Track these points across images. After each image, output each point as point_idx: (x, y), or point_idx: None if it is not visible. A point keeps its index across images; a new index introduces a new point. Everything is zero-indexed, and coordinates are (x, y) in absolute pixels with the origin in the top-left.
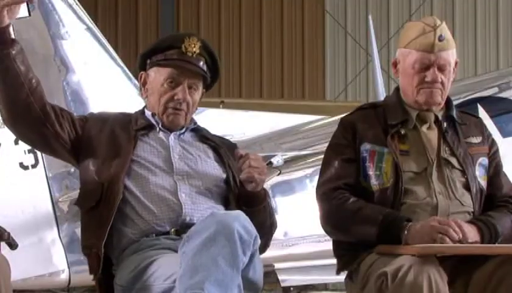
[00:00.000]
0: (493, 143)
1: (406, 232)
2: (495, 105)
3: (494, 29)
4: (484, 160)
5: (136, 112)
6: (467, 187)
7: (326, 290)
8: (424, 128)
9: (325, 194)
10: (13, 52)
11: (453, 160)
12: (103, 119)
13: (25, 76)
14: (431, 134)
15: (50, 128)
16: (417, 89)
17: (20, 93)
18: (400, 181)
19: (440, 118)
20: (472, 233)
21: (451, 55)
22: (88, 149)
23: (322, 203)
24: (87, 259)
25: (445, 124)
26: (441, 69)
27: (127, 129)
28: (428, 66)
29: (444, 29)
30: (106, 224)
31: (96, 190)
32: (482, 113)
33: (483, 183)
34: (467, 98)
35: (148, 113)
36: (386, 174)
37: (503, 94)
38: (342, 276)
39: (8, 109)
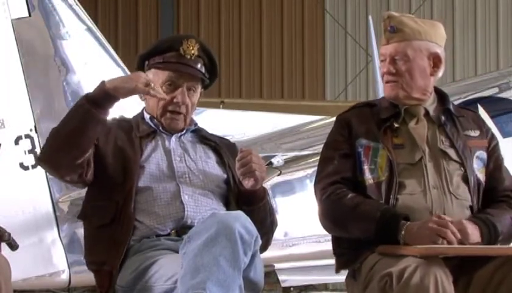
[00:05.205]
0: (493, 137)
1: (403, 232)
2: (495, 105)
3: (494, 29)
4: (482, 153)
5: (135, 117)
6: (464, 179)
7: (326, 291)
8: (413, 122)
9: (323, 189)
10: (105, 122)
11: (451, 152)
12: (106, 128)
13: (89, 146)
14: (419, 127)
15: (83, 178)
16: (384, 83)
17: (75, 155)
18: (395, 175)
19: (431, 112)
20: (475, 235)
21: (409, 46)
22: (96, 164)
23: (321, 199)
24: (94, 274)
25: (443, 118)
26: (394, 60)
27: (130, 138)
28: (385, 59)
29: (396, 21)
30: (124, 244)
31: (110, 207)
32: (482, 113)
33: (481, 176)
34: (467, 98)
35: (147, 116)
36: (380, 169)
37: (503, 94)
38: (342, 276)
39: (54, 158)
